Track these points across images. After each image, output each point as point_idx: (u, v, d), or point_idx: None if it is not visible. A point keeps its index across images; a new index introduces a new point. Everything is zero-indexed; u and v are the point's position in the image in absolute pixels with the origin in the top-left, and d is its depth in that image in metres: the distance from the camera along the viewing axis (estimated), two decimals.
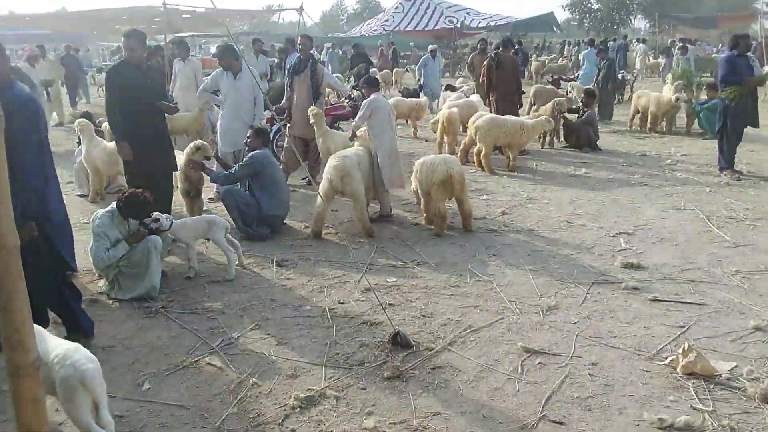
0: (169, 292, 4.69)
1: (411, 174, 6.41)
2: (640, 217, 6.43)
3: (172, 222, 4.81)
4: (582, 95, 10.93)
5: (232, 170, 5.83)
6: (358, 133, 6.63)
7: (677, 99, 11.23)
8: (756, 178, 8.02)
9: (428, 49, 15.23)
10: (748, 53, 7.89)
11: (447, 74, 26.52)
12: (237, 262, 5.11)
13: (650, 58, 26.51)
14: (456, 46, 30.95)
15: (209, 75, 7.72)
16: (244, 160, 5.89)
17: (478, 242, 5.73)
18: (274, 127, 9.00)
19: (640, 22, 56.99)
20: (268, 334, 4.00)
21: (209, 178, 5.92)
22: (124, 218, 4.58)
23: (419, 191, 6.20)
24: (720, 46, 34.16)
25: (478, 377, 3.46)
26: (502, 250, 5.49)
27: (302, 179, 8.36)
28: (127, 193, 4.57)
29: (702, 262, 5.11)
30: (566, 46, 31.15)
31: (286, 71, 7.97)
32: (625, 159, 9.47)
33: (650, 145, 10.62)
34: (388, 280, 4.84)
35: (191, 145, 5.91)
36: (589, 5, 53.24)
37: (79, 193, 7.61)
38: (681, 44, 22.02)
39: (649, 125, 11.92)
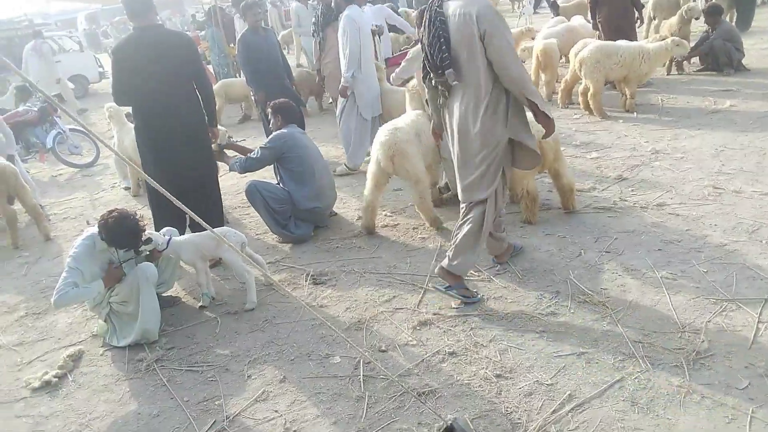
0: (172, 332, 3.68)
1: None
2: None
3: (170, 239, 3.76)
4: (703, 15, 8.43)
5: (253, 154, 4.66)
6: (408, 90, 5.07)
7: None
8: None
9: None
10: None
11: None
12: (266, 279, 4.02)
13: None
14: None
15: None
16: (266, 142, 4.70)
17: (585, 231, 4.17)
18: None
19: None
20: (276, 411, 2.85)
21: (228, 166, 4.80)
22: (109, 246, 3.57)
23: None
24: None
25: None
26: (620, 243, 3.92)
27: None
28: (112, 215, 3.49)
29: None
30: None
31: (313, 25, 6.71)
32: None
33: None
34: (453, 305, 3.50)
35: None
36: None
37: (123, 186, 6.88)
38: None
39: None
